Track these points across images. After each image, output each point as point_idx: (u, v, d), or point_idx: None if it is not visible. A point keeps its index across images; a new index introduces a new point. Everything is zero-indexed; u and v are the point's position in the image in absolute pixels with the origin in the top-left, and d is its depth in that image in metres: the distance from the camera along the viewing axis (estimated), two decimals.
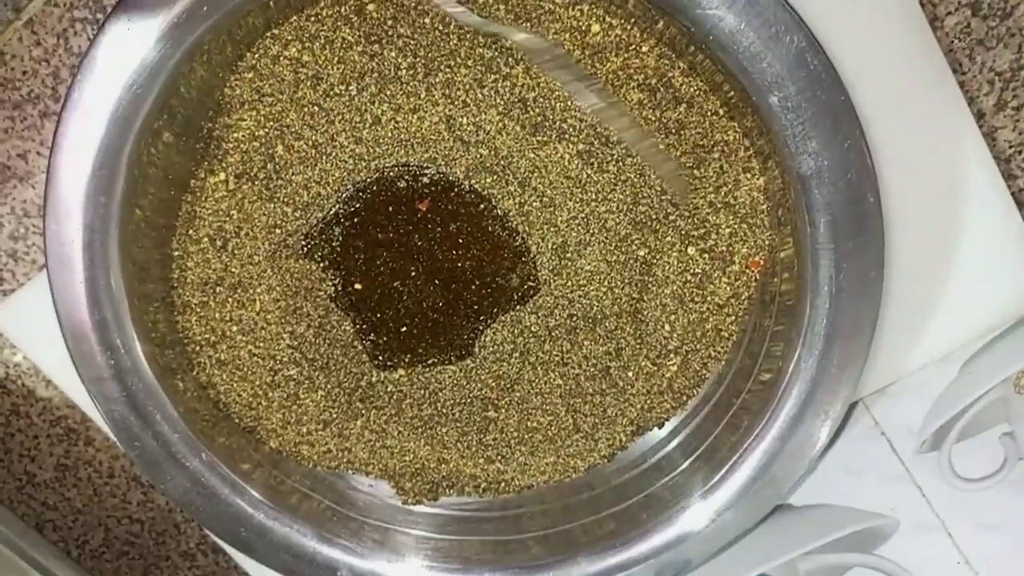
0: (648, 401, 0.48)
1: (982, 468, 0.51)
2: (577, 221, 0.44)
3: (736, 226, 0.44)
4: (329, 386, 0.47)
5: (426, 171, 0.45)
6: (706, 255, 0.44)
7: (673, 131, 0.43)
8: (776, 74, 0.37)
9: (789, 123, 0.38)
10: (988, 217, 0.47)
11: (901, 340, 0.48)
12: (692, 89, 0.42)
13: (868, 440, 0.52)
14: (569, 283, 0.46)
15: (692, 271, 0.45)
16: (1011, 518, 0.51)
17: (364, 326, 0.47)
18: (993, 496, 0.51)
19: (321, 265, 0.46)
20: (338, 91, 0.42)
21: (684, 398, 0.48)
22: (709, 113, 0.42)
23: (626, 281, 0.45)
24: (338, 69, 0.42)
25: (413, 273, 0.46)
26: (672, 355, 0.46)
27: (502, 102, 0.42)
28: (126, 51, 0.39)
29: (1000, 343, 0.50)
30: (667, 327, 0.46)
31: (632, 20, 0.41)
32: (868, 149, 0.38)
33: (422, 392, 0.48)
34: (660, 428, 0.48)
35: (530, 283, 0.46)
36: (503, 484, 0.49)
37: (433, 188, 0.45)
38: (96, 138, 0.40)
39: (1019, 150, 0.49)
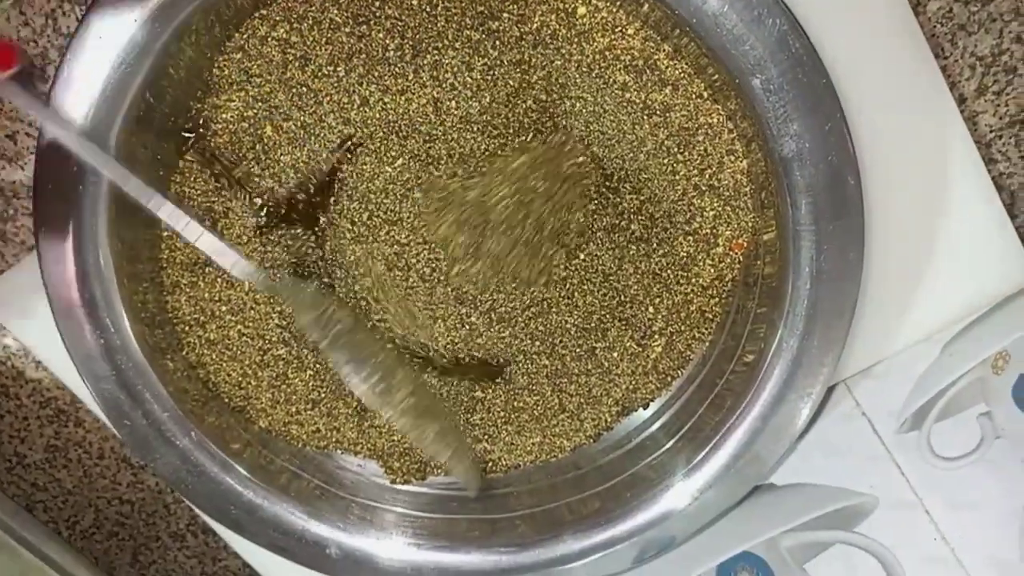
0: (633, 382, 0.48)
1: (960, 447, 0.52)
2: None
3: (720, 208, 0.44)
4: (318, 366, 0.47)
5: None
6: (690, 237, 0.45)
7: (658, 113, 0.43)
8: (758, 57, 0.38)
9: (771, 105, 0.38)
10: (969, 200, 0.47)
11: (882, 322, 0.49)
12: (677, 72, 0.42)
13: (849, 420, 0.53)
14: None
15: (677, 253, 0.45)
16: (987, 496, 0.52)
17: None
18: (970, 475, 0.51)
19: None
20: (326, 72, 0.42)
21: (669, 379, 0.48)
22: (694, 96, 0.43)
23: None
24: (326, 50, 0.42)
25: None
26: (657, 336, 0.47)
27: (488, 96, 0.42)
28: (114, 31, 0.39)
29: (980, 325, 0.51)
30: (651, 309, 0.47)
31: (617, 3, 0.41)
32: (849, 132, 0.39)
33: None
34: (645, 408, 0.49)
35: None
36: (490, 463, 0.50)
37: None
38: (85, 117, 0.40)
39: (1000, 134, 0.50)
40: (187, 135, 0.44)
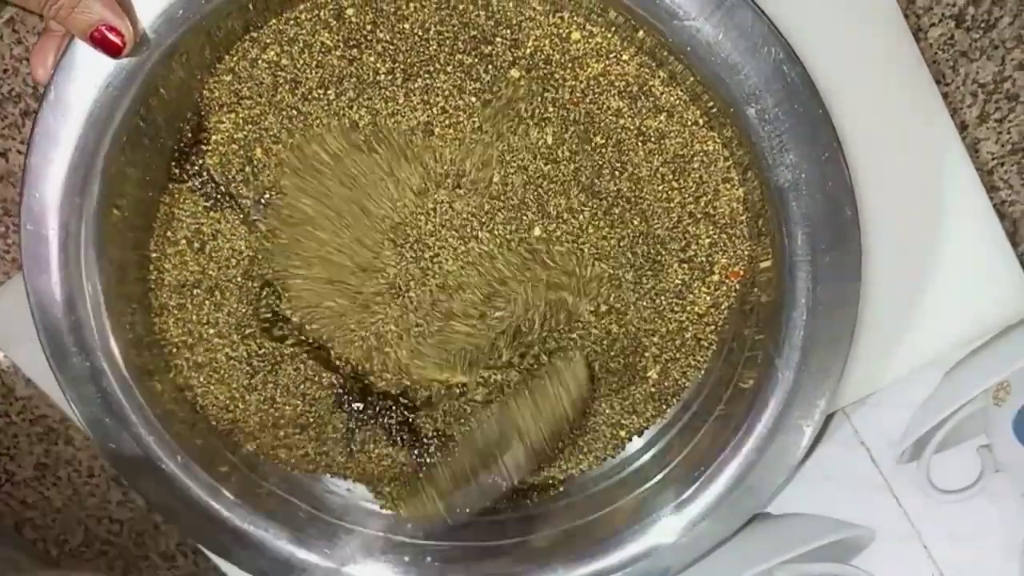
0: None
1: (959, 480, 0.51)
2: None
3: (716, 236, 0.44)
4: (306, 392, 0.47)
5: None
6: (685, 265, 0.44)
7: (653, 140, 0.42)
8: (753, 86, 0.37)
9: (767, 135, 0.38)
10: (970, 228, 0.47)
11: (882, 350, 0.48)
12: (672, 98, 0.42)
13: (847, 450, 0.52)
14: None
15: (672, 281, 0.45)
16: (986, 531, 0.51)
17: None
18: (969, 508, 0.51)
19: None
20: (316, 95, 0.42)
21: (663, 406, 0.48)
22: (689, 123, 0.42)
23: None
24: (316, 73, 0.42)
25: None
26: (651, 364, 0.46)
27: (478, 119, 0.42)
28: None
29: (980, 355, 0.50)
30: (646, 337, 0.46)
31: (612, 29, 0.41)
32: (845, 161, 0.38)
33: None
34: (639, 436, 0.48)
35: None
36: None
37: None
38: (72, 138, 0.39)
39: (1001, 162, 0.50)
40: (177, 156, 0.44)
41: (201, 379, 0.46)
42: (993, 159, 0.49)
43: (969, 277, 0.48)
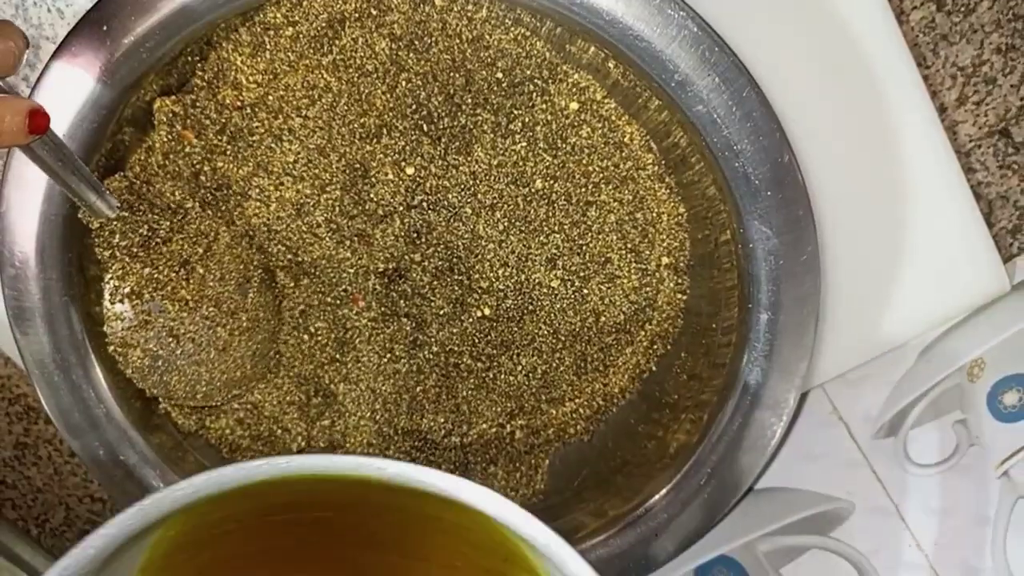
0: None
1: (936, 454, 0.52)
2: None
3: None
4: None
5: None
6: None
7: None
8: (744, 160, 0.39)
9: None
10: (948, 209, 0.48)
11: (861, 328, 0.49)
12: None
13: (827, 426, 0.53)
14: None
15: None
16: (961, 503, 0.53)
17: None
18: (945, 481, 0.52)
19: None
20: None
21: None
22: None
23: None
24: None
25: None
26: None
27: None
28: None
29: (956, 332, 0.51)
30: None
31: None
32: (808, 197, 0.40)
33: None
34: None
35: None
36: None
37: None
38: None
39: (979, 144, 0.50)
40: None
41: None
42: (970, 141, 0.50)
43: (946, 257, 0.48)
